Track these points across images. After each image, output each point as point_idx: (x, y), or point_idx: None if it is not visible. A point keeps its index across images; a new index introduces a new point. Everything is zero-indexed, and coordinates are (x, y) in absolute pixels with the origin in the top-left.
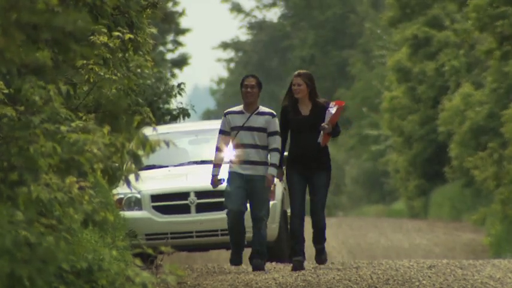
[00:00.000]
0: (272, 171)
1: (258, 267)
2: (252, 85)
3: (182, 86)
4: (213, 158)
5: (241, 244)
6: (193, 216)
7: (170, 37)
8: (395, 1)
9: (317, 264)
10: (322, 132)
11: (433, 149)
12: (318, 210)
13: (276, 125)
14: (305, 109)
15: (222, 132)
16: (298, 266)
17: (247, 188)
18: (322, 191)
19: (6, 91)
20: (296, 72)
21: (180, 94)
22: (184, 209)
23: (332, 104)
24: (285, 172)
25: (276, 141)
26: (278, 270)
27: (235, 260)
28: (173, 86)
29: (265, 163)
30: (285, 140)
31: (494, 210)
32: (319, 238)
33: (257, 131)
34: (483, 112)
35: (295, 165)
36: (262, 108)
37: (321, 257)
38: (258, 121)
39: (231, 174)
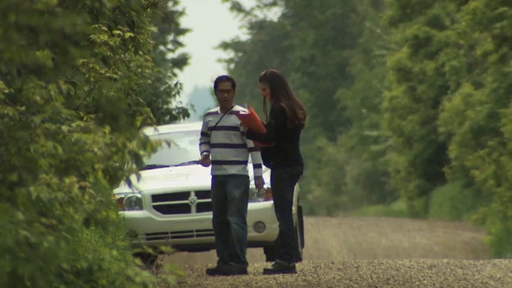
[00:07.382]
0: (259, 172)
1: (225, 271)
2: (228, 90)
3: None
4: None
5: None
6: (194, 216)
7: (170, 37)
8: (395, 0)
9: (317, 264)
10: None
11: (433, 149)
12: None
13: None
14: None
15: (202, 134)
16: None
17: (223, 190)
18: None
19: (6, 91)
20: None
21: (178, 94)
22: (185, 209)
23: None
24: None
25: (251, 142)
26: None
27: (210, 270)
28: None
29: (237, 162)
30: None
31: (495, 210)
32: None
33: (230, 129)
34: (483, 112)
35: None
36: (236, 107)
37: None
38: (230, 120)
39: (212, 178)
